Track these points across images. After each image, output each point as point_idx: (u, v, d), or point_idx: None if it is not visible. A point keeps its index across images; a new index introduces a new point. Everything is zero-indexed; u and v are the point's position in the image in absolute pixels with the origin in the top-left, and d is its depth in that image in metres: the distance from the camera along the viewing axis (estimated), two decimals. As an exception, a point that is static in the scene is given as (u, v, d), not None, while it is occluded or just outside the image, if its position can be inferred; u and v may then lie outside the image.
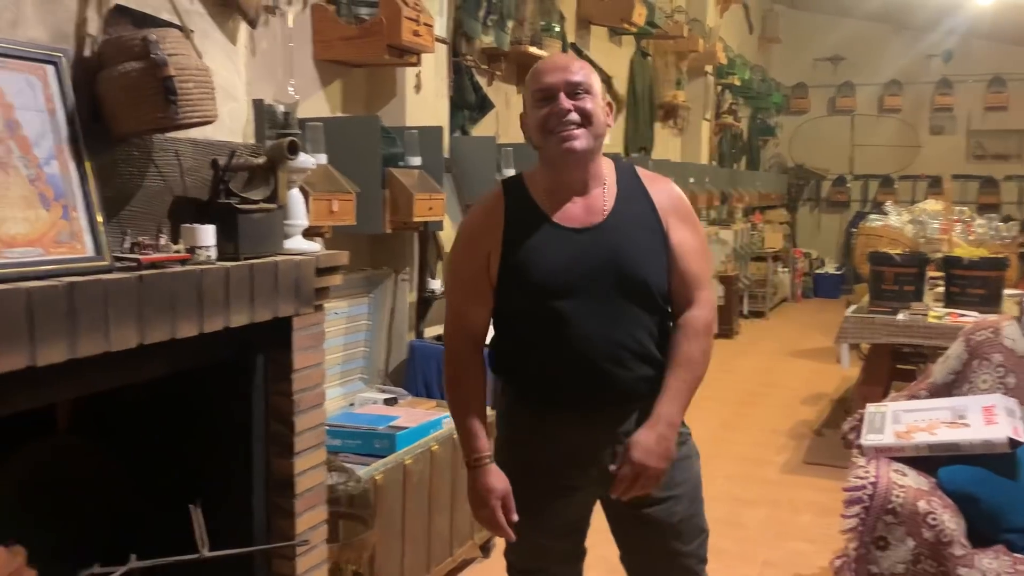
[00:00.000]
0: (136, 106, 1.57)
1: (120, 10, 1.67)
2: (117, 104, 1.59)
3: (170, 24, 1.69)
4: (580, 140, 1.67)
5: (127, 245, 1.62)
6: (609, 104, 1.76)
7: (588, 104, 1.68)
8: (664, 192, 1.79)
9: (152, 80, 1.54)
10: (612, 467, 1.70)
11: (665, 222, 1.75)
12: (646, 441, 1.68)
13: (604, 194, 1.74)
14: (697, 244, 1.78)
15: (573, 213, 1.72)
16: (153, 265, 1.59)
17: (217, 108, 1.70)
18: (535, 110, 1.70)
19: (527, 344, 1.75)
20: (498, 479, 1.73)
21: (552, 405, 1.75)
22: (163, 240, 1.64)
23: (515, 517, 1.73)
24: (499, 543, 3.29)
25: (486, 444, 1.75)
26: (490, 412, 1.83)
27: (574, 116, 1.66)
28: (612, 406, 1.74)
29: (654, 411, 1.71)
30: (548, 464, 1.78)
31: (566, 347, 1.69)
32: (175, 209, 1.77)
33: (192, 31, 1.75)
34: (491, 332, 1.83)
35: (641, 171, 1.82)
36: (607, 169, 1.78)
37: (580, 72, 1.69)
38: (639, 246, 1.72)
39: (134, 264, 1.57)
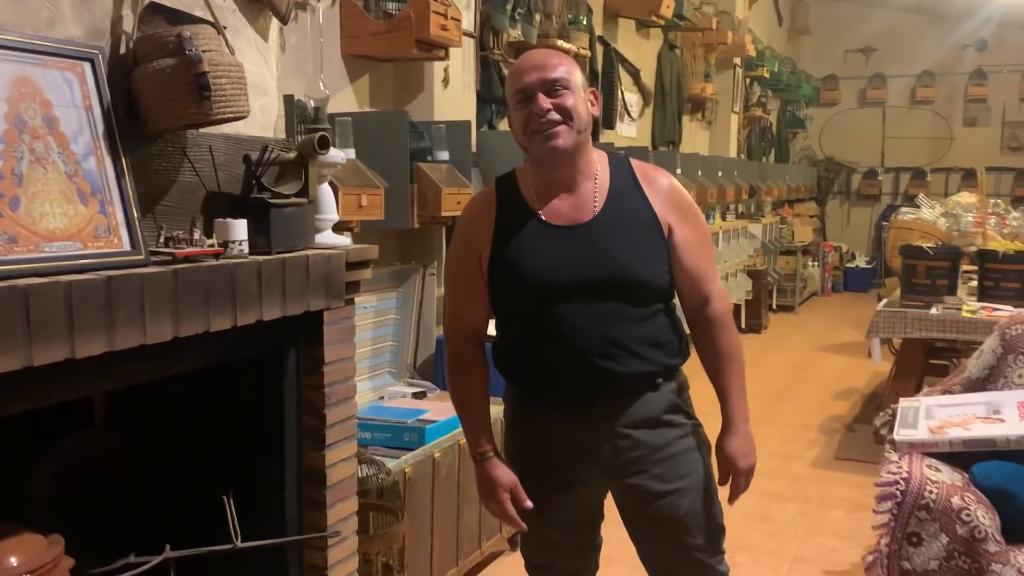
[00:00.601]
0: (171, 102, 1.59)
1: (154, 7, 1.69)
2: (152, 100, 1.61)
3: (203, 20, 1.71)
4: (562, 138, 1.65)
5: (162, 239, 1.64)
6: (593, 93, 1.73)
7: (568, 100, 1.64)
8: (660, 187, 1.75)
9: (186, 76, 1.56)
10: (720, 483, 1.81)
11: (663, 219, 1.72)
12: (738, 447, 1.77)
13: (595, 190, 1.72)
14: (699, 239, 1.76)
15: (562, 211, 1.71)
16: (187, 259, 1.61)
17: (249, 104, 1.72)
18: (516, 112, 1.68)
19: (522, 341, 1.76)
20: (503, 472, 1.75)
21: (550, 401, 1.76)
22: (197, 234, 1.66)
23: (528, 505, 1.75)
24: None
25: (490, 438, 1.77)
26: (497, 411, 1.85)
27: (554, 115, 1.64)
28: (609, 401, 1.74)
29: (727, 416, 1.78)
30: (550, 459, 1.79)
31: (559, 344, 1.69)
32: (208, 204, 1.79)
33: (225, 27, 1.77)
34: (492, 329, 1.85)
35: (636, 163, 1.79)
36: (599, 163, 1.75)
37: (558, 68, 1.65)
38: (632, 243, 1.70)
39: (169, 258, 1.59)
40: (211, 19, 1.73)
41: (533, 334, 1.72)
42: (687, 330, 1.83)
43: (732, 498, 1.83)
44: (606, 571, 2.07)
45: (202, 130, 1.78)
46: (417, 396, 3.17)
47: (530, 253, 1.70)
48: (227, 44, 1.71)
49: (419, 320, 3.41)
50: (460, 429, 2.82)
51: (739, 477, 1.78)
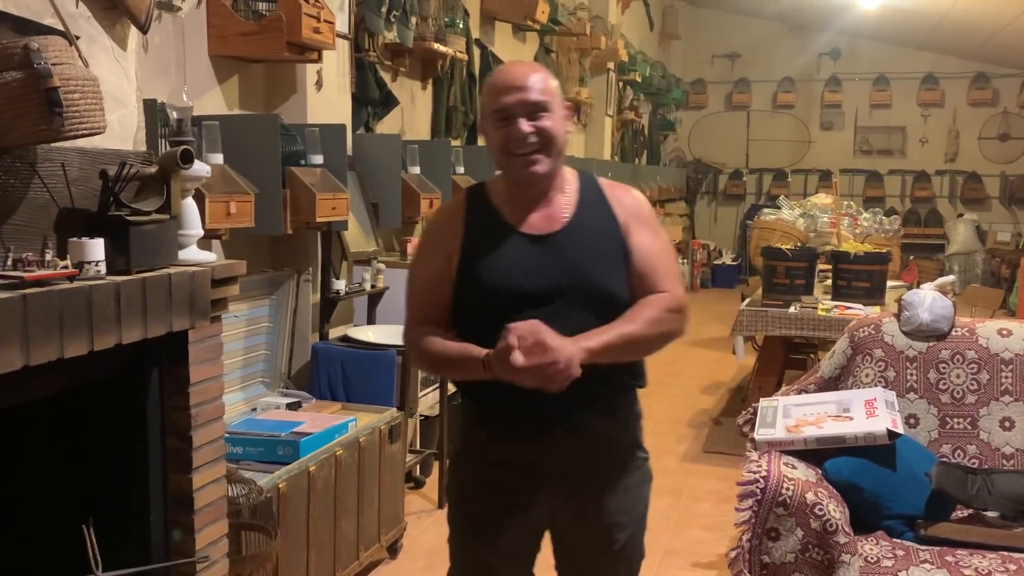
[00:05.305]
0: (18, 118, 1.49)
1: (-2, 14, 1.59)
2: (-3, 115, 1.51)
3: (53, 30, 1.62)
4: (542, 164, 1.65)
5: (9, 262, 1.54)
6: (568, 107, 1.72)
7: (547, 123, 1.64)
8: (624, 199, 1.77)
9: (35, 91, 1.47)
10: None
11: (625, 228, 1.73)
12: (564, 346, 1.55)
13: (564, 202, 1.73)
14: (659, 245, 1.75)
15: (533, 221, 1.71)
16: (39, 283, 1.52)
17: (106, 118, 1.64)
18: (494, 130, 1.66)
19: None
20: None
21: (507, 416, 1.72)
22: (49, 256, 1.57)
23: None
24: (406, 544, 3.30)
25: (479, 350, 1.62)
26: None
27: (533, 140, 1.63)
28: (569, 421, 1.71)
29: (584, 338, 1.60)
30: (501, 478, 1.76)
31: None
32: (62, 222, 1.69)
33: (78, 37, 1.67)
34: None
35: (602, 181, 1.81)
36: (569, 178, 1.77)
37: (537, 88, 1.64)
38: (598, 254, 1.70)
39: (17, 282, 1.50)
40: (62, 28, 1.64)
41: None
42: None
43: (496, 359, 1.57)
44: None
45: (54, 144, 1.68)
46: (292, 407, 3.10)
47: (500, 260, 1.67)
48: (80, 55, 1.62)
49: (293, 327, 3.34)
50: (336, 440, 2.81)
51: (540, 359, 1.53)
